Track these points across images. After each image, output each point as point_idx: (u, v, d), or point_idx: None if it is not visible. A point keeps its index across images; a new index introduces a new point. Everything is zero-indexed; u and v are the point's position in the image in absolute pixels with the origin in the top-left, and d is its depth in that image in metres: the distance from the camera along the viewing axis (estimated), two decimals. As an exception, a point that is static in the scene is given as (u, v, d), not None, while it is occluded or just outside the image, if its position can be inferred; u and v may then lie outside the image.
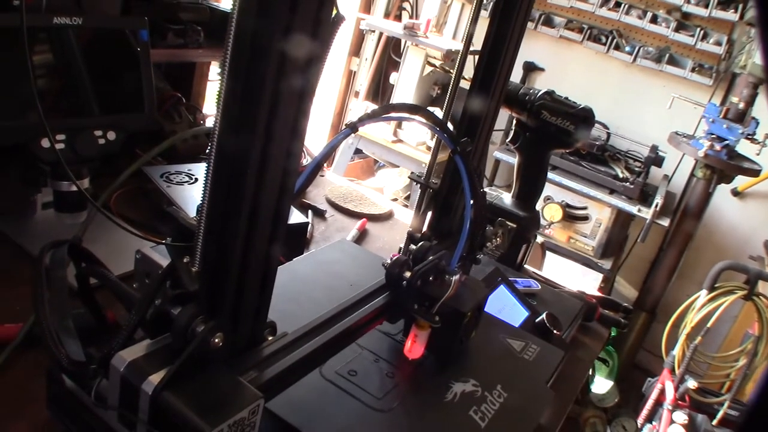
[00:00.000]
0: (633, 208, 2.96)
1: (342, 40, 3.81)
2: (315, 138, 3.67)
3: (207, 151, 0.54)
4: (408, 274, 0.81)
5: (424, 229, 1.06)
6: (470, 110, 1.06)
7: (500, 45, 1.03)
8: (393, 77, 3.46)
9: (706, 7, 3.07)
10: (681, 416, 2.41)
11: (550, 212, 3.09)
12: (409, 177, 1.36)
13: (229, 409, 0.50)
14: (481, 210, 0.92)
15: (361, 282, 0.84)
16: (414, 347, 0.82)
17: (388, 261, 0.84)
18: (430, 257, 0.85)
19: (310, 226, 1.43)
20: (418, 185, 1.09)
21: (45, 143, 1.02)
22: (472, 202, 0.89)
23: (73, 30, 1.07)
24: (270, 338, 0.64)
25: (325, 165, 2.00)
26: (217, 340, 0.54)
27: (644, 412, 2.60)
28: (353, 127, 0.77)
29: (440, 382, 0.79)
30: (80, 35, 1.09)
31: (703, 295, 2.58)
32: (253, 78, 0.49)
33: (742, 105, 2.74)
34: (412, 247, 0.90)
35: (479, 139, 1.07)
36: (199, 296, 0.56)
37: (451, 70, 3.22)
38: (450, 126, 0.89)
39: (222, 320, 0.55)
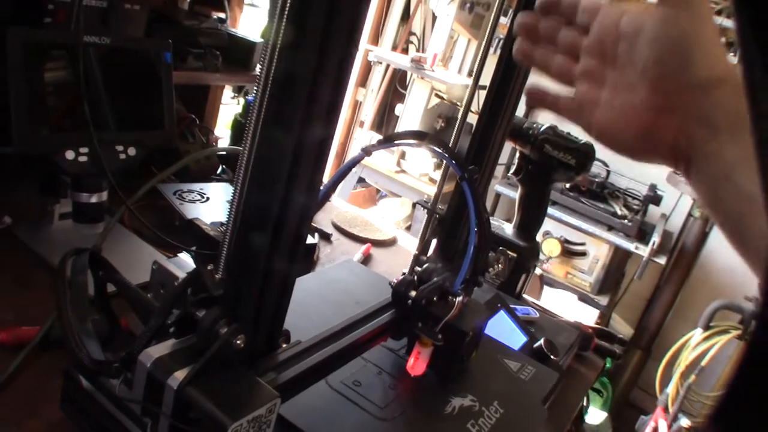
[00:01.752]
0: (630, 246, 2.99)
1: (350, 71, 3.87)
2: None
3: (237, 166, 0.58)
4: (413, 293, 0.85)
5: (430, 252, 1.10)
6: (477, 141, 1.10)
7: (508, 81, 1.08)
8: (398, 108, 3.52)
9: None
10: (673, 454, 2.42)
11: (548, 247, 3.13)
12: (416, 203, 1.40)
13: (248, 405, 0.54)
14: (485, 235, 0.95)
15: (366, 300, 0.87)
16: (417, 364, 0.85)
17: (395, 281, 0.88)
18: (435, 278, 0.89)
19: (316, 248, 1.47)
20: (425, 210, 1.13)
21: (69, 155, 1.06)
22: (477, 227, 0.93)
23: (101, 49, 1.12)
24: (284, 345, 0.67)
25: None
26: (239, 342, 0.57)
27: (637, 449, 2.61)
28: (367, 151, 0.81)
29: (440, 396, 0.83)
30: (107, 54, 1.14)
31: (698, 333, 2.62)
32: (288, 96, 0.54)
33: (740, 147, 2.79)
34: (418, 268, 0.94)
35: (485, 169, 1.11)
36: (222, 300, 0.60)
37: (458, 103, 3.28)
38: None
39: (244, 323, 0.58)
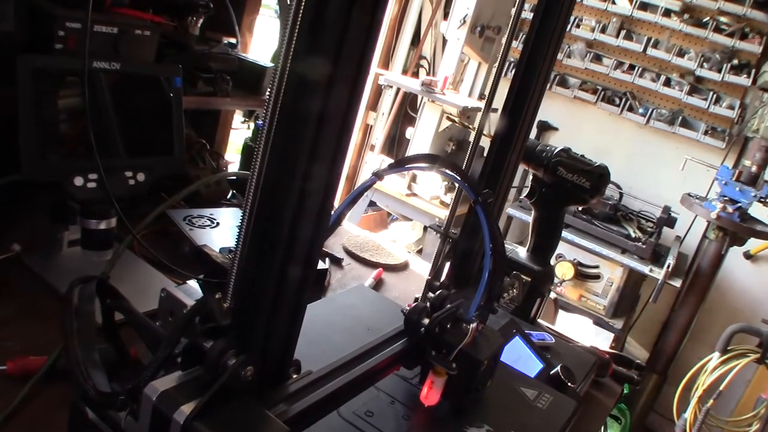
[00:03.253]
0: (645, 268, 2.96)
1: (360, 94, 3.87)
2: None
3: (246, 191, 0.57)
4: (426, 320, 0.83)
5: (443, 277, 1.08)
6: (491, 164, 1.09)
7: (521, 104, 1.07)
8: (409, 132, 3.52)
9: (719, 71, 3.13)
10: (693, 481, 2.37)
11: (562, 270, 3.09)
12: (429, 227, 1.38)
13: (256, 440, 0.52)
14: (500, 260, 0.93)
15: (377, 326, 0.85)
16: (430, 394, 0.82)
17: (407, 308, 0.86)
18: (448, 305, 0.87)
19: (327, 273, 1.45)
20: (437, 234, 1.11)
21: (78, 181, 1.05)
22: (491, 252, 0.91)
23: (111, 74, 1.12)
24: (295, 376, 0.65)
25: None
26: (247, 373, 0.55)
27: (655, 476, 2.55)
28: (378, 176, 0.79)
29: (455, 426, 0.80)
30: (117, 80, 1.14)
31: (715, 357, 2.57)
32: (296, 122, 0.53)
33: (754, 168, 2.76)
34: (431, 295, 0.92)
35: (499, 193, 1.10)
36: (230, 331, 0.58)
37: (470, 126, 3.28)
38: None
39: (252, 354, 0.57)
